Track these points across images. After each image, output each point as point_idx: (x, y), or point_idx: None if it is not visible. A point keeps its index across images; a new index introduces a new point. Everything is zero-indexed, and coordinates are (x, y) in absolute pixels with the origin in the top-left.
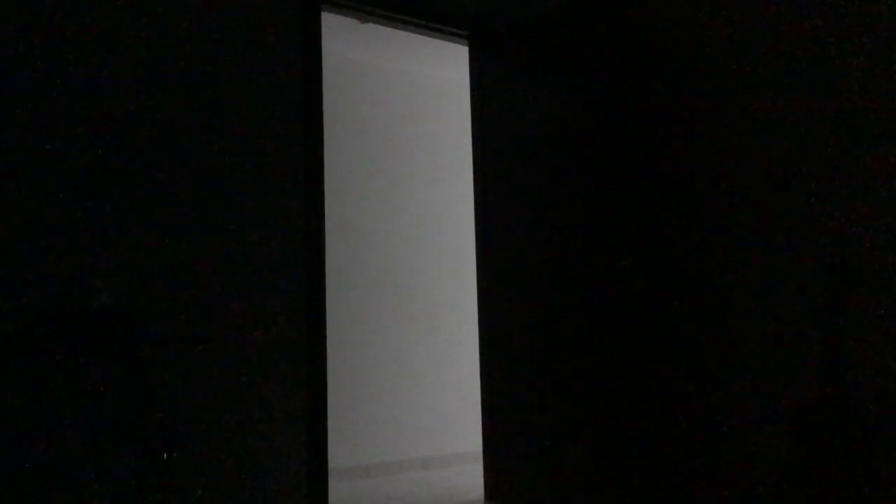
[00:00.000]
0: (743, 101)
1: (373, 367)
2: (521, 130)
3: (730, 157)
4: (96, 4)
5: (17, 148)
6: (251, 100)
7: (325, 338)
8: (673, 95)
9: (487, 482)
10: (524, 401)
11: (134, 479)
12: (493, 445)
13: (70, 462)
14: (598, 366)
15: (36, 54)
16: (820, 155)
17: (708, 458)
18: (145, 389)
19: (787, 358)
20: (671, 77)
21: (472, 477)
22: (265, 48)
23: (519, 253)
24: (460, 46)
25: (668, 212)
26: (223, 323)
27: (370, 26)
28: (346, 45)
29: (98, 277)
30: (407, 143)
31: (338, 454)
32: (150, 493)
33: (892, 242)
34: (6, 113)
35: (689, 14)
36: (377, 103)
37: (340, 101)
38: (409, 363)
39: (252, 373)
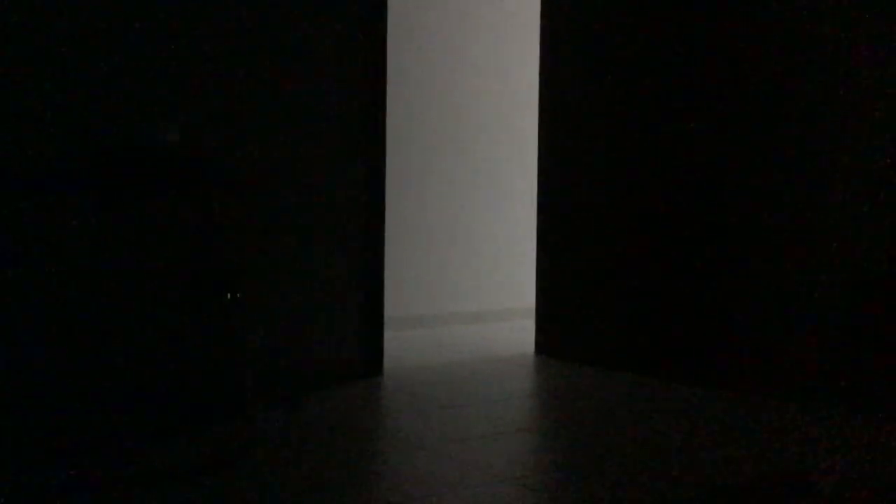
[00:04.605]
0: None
1: (429, 221)
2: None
3: (792, 61)
4: None
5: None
6: None
7: (384, 188)
8: None
9: (538, 337)
10: (578, 259)
11: (198, 317)
12: (546, 302)
13: (134, 300)
14: (657, 228)
15: None
16: None
17: (767, 322)
18: (210, 229)
19: (857, 225)
20: None
21: (523, 332)
22: None
23: (582, 116)
24: None
25: (738, 82)
26: (286, 167)
27: None
28: None
29: (166, 116)
30: (475, 5)
31: (392, 304)
32: (213, 330)
33: None
34: None
35: None
36: None
37: None
38: (465, 218)
39: (312, 218)
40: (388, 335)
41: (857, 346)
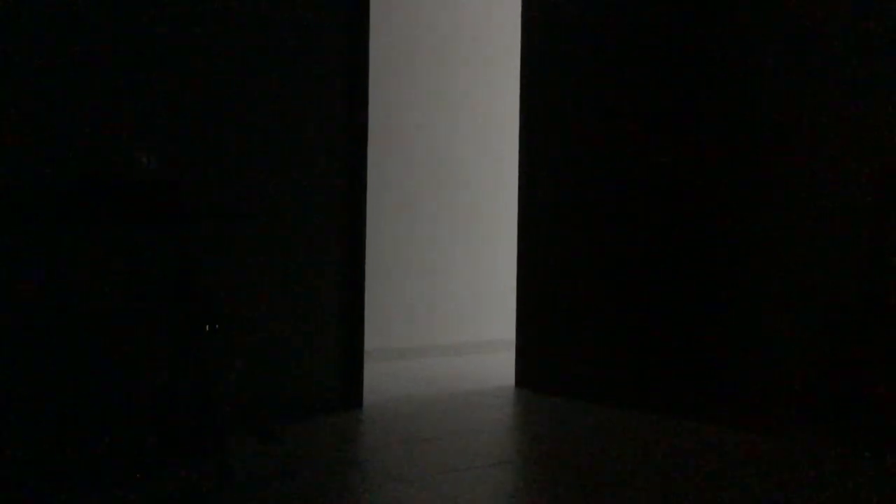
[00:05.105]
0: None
1: (409, 253)
2: (574, 19)
3: (782, 60)
4: None
5: (76, 20)
6: None
7: (363, 221)
8: None
9: (518, 370)
10: (559, 292)
11: (174, 350)
12: (526, 334)
13: (110, 330)
14: (637, 260)
15: None
16: (873, 58)
17: (746, 354)
18: (186, 260)
19: (833, 257)
20: None
21: (503, 365)
22: None
23: (562, 145)
24: None
25: (711, 110)
26: (264, 199)
27: None
28: None
29: (143, 146)
30: (452, 30)
31: (372, 337)
32: (189, 363)
33: None
34: None
35: None
36: None
37: None
38: (445, 250)
39: (291, 252)
40: (369, 367)
41: (841, 378)
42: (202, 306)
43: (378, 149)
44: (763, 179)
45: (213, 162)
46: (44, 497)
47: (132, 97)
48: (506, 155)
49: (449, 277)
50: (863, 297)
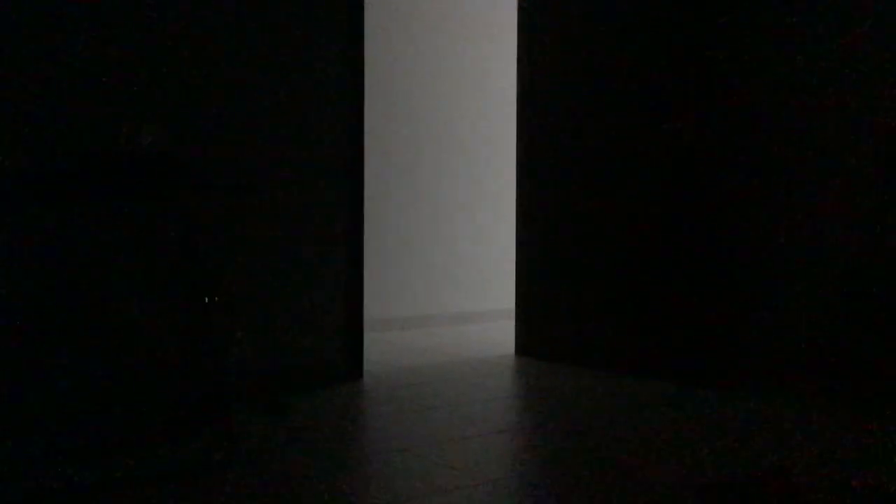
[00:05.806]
0: None
1: (408, 223)
2: None
3: (788, 32)
4: None
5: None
6: None
7: (363, 192)
8: None
9: (518, 338)
10: (558, 261)
11: (177, 321)
12: (526, 303)
13: (114, 301)
14: (637, 226)
15: None
16: (876, 32)
17: (750, 318)
18: (188, 233)
19: (841, 220)
20: None
21: (503, 333)
22: None
23: (560, 117)
24: None
25: (718, 77)
26: (266, 174)
27: None
28: None
29: (146, 121)
30: (452, 5)
31: (372, 306)
32: (192, 333)
33: None
34: None
35: None
36: None
37: None
38: (445, 219)
39: (292, 223)
40: (369, 337)
41: (841, 342)
42: (204, 279)
43: (377, 119)
44: (770, 145)
45: (215, 138)
46: (52, 471)
47: (136, 75)
48: (504, 124)
49: (448, 247)
50: (873, 256)
